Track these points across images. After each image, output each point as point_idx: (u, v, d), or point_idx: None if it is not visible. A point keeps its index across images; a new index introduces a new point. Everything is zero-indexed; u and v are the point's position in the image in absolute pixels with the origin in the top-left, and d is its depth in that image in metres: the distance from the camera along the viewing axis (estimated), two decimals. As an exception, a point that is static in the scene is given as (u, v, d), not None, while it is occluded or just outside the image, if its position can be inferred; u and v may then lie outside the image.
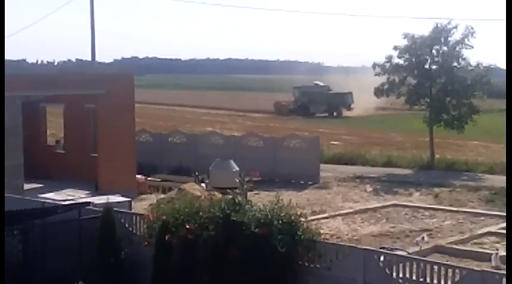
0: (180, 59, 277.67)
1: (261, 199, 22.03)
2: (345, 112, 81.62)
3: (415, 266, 13.99)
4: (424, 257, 16.62)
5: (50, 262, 16.82)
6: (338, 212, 26.78)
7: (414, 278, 13.93)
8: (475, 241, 22.22)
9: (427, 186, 32.31)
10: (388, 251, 15.70)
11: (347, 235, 23.02)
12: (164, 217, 16.08)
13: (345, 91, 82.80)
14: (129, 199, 23.42)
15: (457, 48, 38.79)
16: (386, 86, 39.92)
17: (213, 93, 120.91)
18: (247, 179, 16.38)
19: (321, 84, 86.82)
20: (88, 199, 21.42)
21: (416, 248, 20.34)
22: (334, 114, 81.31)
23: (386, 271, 14.15)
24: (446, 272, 13.68)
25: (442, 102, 38.82)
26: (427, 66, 39.43)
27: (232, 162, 28.47)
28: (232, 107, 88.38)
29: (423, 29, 62.84)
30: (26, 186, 27.57)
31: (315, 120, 74.33)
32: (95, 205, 18.93)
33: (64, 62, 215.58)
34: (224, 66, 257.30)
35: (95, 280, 16.52)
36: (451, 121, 38.66)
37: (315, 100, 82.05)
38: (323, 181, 33.59)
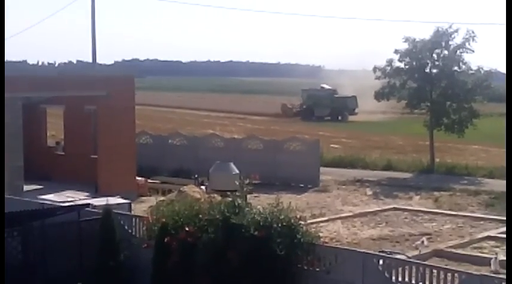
0: (180, 61, 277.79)
1: (260, 202, 22.00)
2: (350, 117, 78.57)
3: (414, 270, 14.01)
4: (424, 261, 16.62)
5: (50, 264, 16.83)
6: (338, 215, 26.75)
7: (413, 282, 13.95)
8: (475, 245, 22.18)
9: (427, 190, 32.29)
10: (387, 255, 15.69)
11: (346, 238, 22.99)
12: (164, 220, 16.09)
13: (348, 95, 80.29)
14: (128, 201, 23.44)
15: (458, 52, 38.75)
16: (386, 90, 39.93)
17: (213, 96, 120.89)
18: (247, 182, 16.39)
19: (327, 87, 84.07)
20: (88, 201, 21.41)
21: (416, 252, 20.30)
22: (339, 118, 78.32)
23: (386, 274, 14.17)
24: (446, 276, 13.70)
25: (443, 106, 38.79)
26: (427, 70, 39.39)
27: (232, 164, 28.40)
28: (232, 110, 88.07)
29: (424, 33, 62.89)
30: (26, 187, 27.53)
31: (316, 123, 73.42)
32: (95, 207, 18.94)
33: (65, 63, 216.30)
34: (225, 68, 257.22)
35: (94, 281, 16.54)
36: (452, 125, 38.62)
37: (320, 103, 79.43)
38: (323, 184, 33.57)
